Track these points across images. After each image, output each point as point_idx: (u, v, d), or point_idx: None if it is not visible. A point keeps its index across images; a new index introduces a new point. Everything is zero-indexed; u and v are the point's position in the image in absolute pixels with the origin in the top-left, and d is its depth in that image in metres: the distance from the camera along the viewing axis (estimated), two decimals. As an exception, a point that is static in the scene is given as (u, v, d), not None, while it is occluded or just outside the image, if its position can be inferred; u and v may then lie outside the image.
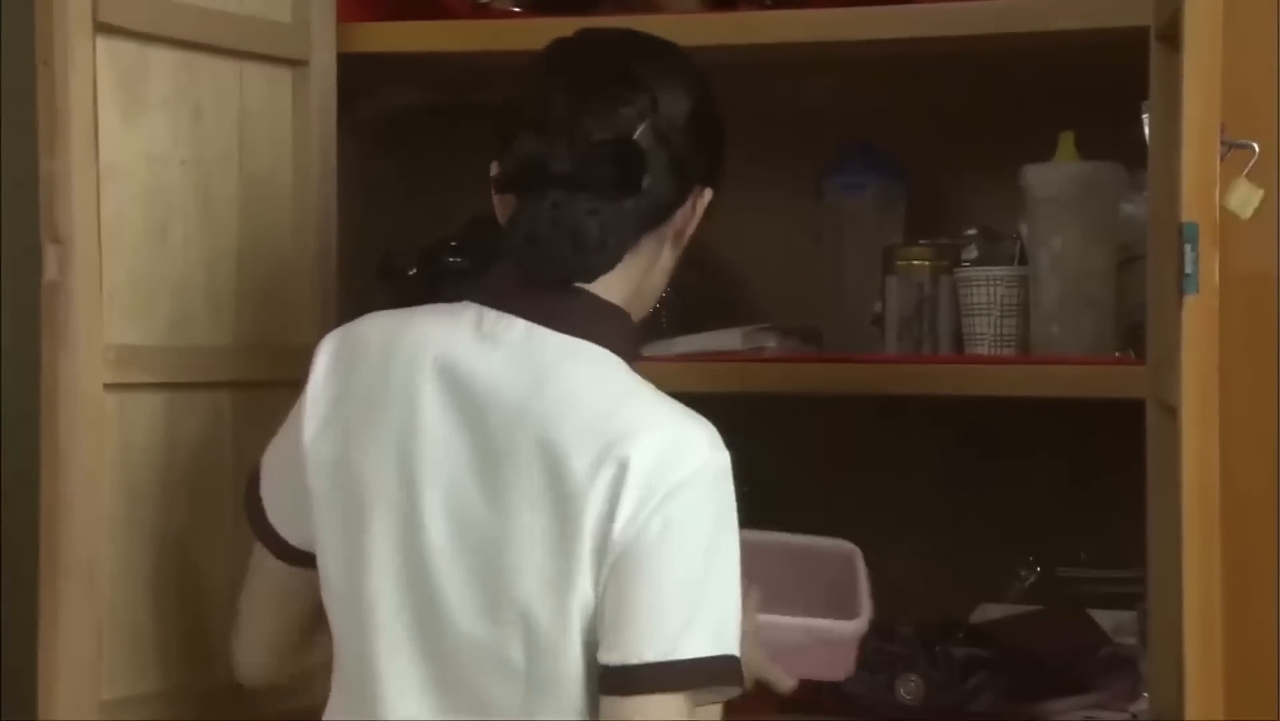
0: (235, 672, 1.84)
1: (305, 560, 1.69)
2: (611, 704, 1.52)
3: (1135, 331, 2.06)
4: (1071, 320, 2.12)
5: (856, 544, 2.00)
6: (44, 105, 1.83)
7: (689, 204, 1.68)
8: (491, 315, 1.62)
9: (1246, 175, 1.57)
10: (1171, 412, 1.56)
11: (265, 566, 1.77)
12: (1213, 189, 1.50)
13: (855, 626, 1.85)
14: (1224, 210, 1.53)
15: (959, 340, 2.23)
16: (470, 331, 1.61)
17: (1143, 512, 1.84)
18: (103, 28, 1.86)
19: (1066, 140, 2.15)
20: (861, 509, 2.46)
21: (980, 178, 2.41)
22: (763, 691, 1.80)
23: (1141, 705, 2.08)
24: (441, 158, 2.51)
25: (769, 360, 2.20)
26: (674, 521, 1.52)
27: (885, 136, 2.41)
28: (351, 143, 2.21)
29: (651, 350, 2.16)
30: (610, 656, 1.52)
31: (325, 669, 1.70)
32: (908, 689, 2.14)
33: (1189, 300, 1.48)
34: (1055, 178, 2.15)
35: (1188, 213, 1.49)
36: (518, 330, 1.60)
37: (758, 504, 2.39)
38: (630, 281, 1.66)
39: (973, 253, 2.24)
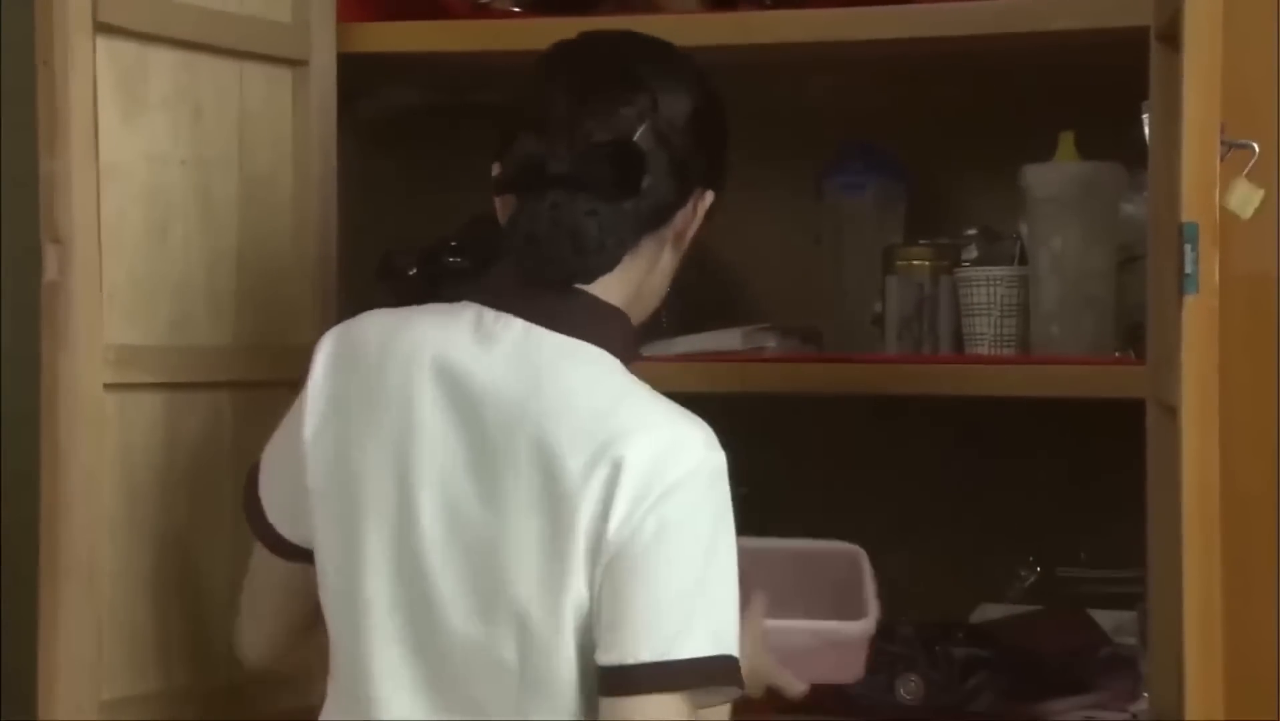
0: (237, 654, 1.84)
1: (304, 556, 1.70)
2: (609, 705, 1.52)
3: (1135, 331, 2.06)
4: (1071, 320, 2.12)
5: (857, 544, 2.00)
6: (44, 105, 1.83)
7: (690, 206, 1.68)
8: (490, 315, 1.62)
9: (1246, 175, 1.57)
10: (1171, 412, 1.56)
11: (265, 563, 1.77)
12: (1213, 189, 1.50)
13: (863, 626, 1.85)
14: (1224, 210, 1.53)
15: (959, 340, 2.23)
16: (469, 331, 1.62)
17: (1143, 512, 1.84)
18: (103, 28, 1.86)
19: (1066, 140, 2.15)
20: (861, 509, 2.46)
21: (980, 178, 2.41)
22: (774, 697, 1.79)
23: (1141, 705, 2.08)
24: (441, 158, 2.51)
25: (769, 360, 2.20)
26: (669, 521, 1.52)
27: (885, 136, 2.41)
28: (351, 143, 2.21)
29: (651, 350, 2.16)
30: (607, 657, 1.52)
31: (323, 668, 1.70)
32: (908, 689, 2.14)
33: (1189, 300, 1.48)
34: (1055, 178, 2.15)
35: (1188, 213, 1.49)
36: (516, 330, 1.60)
37: (758, 504, 2.39)
38: (630, 283, 1.66)
39: (973, 253, 2.24)
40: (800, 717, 2.03)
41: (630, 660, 1.51)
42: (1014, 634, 2.23)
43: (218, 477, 1.99)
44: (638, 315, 1.71)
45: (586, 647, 1.55)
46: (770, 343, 2.23)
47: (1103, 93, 2.04)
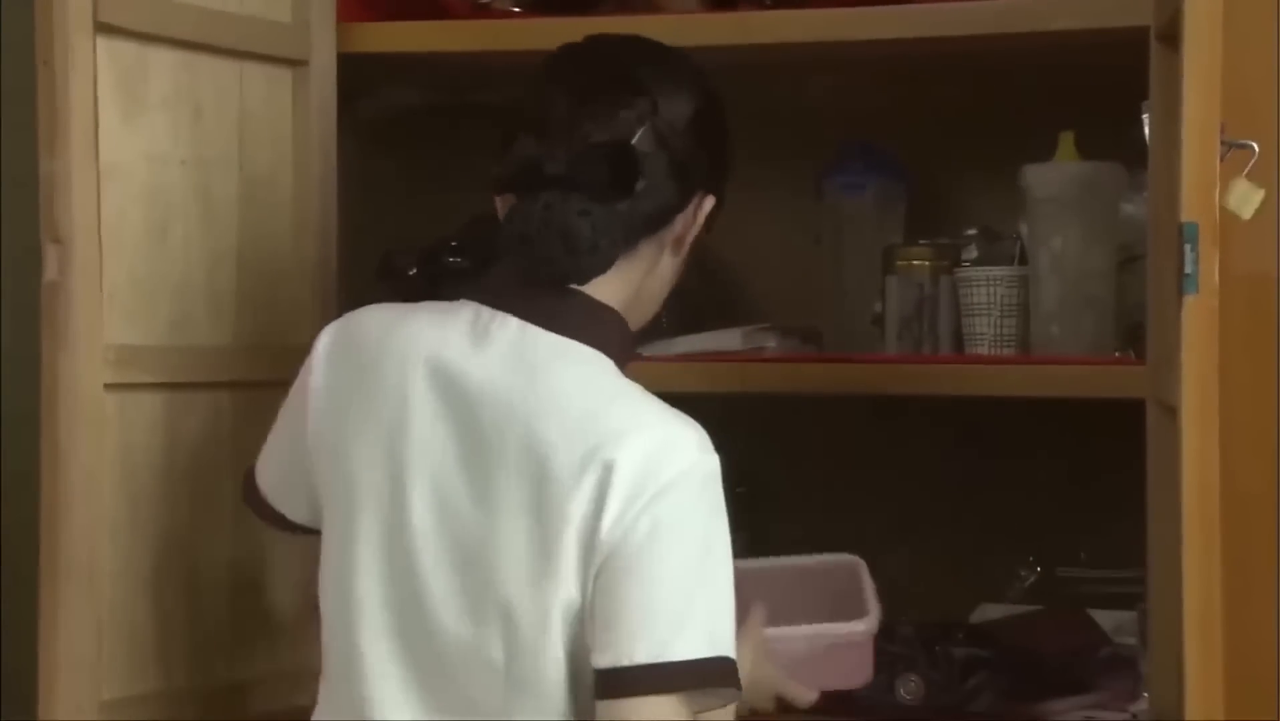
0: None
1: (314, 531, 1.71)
2: (605, 707, 1.52)
3: (1135, 331, 2.06)
4: (1071, 320, 2.12)
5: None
6: (44, 105, 1.83)
7: (689, 209, 1.68)
8: (487, 314, 1.62)
9: (1246, 175, 1.57)
10: (1171, 412, 1.56)
11: (283, 537, 1.80)
12: (1213, 189, 1.50)
13: (864, 626, 1.85)
14: (1224, 210, 1.53)
15: (959, 340, 2.22)
16: (465, 330, 1.62)
17: (1143, 512, 1.84)
18: (103, 28, 1.86)
19: (1066, 140, 2.15)
20: (861, 509, 2.46)
21: (980, 178, 2.41)
22: (785, 708, 1.79)
23: (1141, 705, 2.08)
24: (441, 158, 2.51)
25: (769, 360, 2.20)
26: (662, 522, 1.51)
27: (885, 136, 2.41)
28: (351, 143, 2.21)
29: (651, 350, 2.16)
30: (603, 659, 1.52)
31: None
32: (908, 689, 2.14)
33: (1189, 300, 1.48)
34: (1055, 178, 2.15)
35: (1187, 213, 1.49)
36: (511, 329, 1.61)
37: (758, 504, 2.40)
38: (628, 285, 1.66)
39: (973, 253, 2.24)
40: (800, 717, 2.03)
41: (625, 661, 1.51)
42: (1014, 634, 2.23)
43: (218, 477, 1.99)
44: (638, 318, 1.71)
45: (576, 649, 1.54)
46: (770, 343, 2.23)
47: (1103, 93, 2.04)
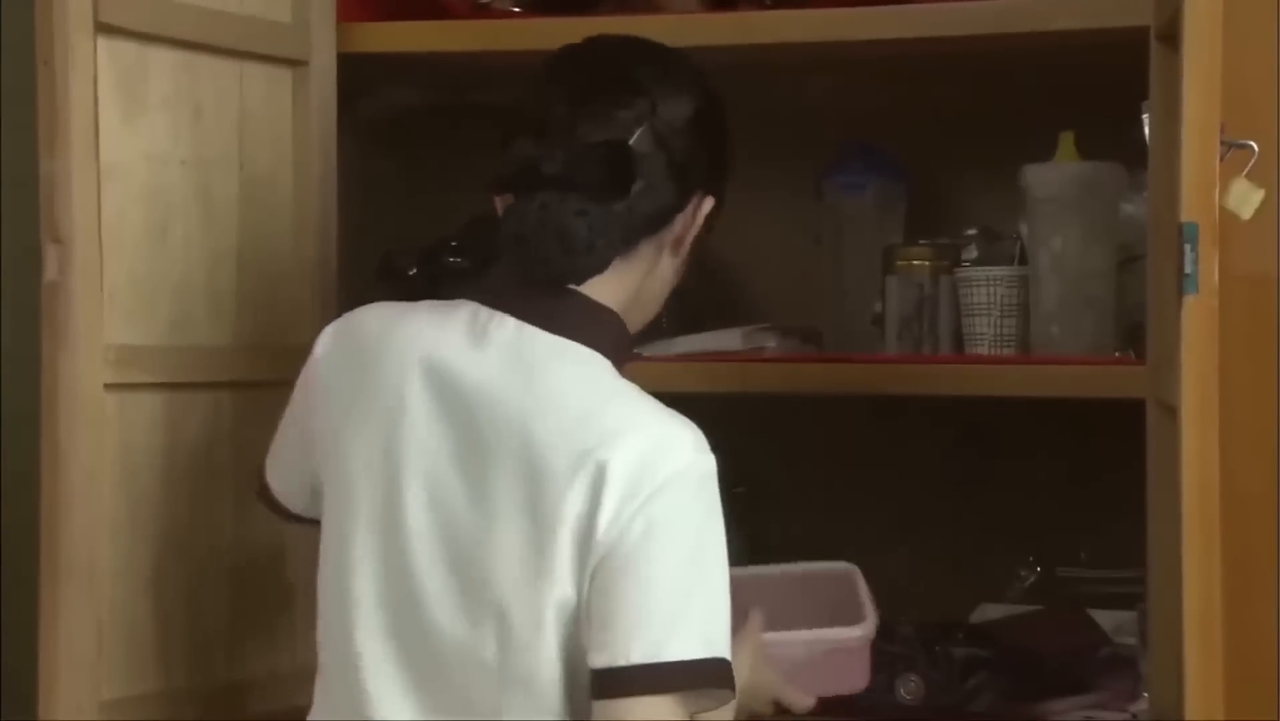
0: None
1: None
2: (601, 707, 1.52)
3: (1135, 331, 2.06)
4: (1071, 320, 2.12)
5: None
6: (44, 105, 1.83)
7: (689, 210, 1.68)
8: (485, 313, 1.62)
9: (1246, 175, 1.57)
10: (1171, 412, 1.56)
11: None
12: (1212, 189, 1.50)
13: (862, 631, 1.85)
14: (1224, 210, 1.53)
15: (959, 340, 2.22)
16: (462, 329, 1.62)
17: (1143, 512, 1.84)
18: (103, 28, 1.86)
19: (1066, 140, 2.15)
20: (861, 509, 2.46)
21: (980, 178, 2.41)
22: (782, 712, 1.79)
23: (1141, 705, 2.08)
24: (441, 158, 2.51)
25: (769, 360, 2.20)
26: (658, 521, 1.51)
27: (885, 136, 2.41)
28: (351, 143, 2.21)
29: (651, 350, 2.16)
30: (598, 659, 1.52)
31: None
32: (908, 689, 2.14)
33: (1189, 300, 1.48)
34: (1055, 178, 2.15)
35: (1187, 213, 1.49)
36: (509, 329, 1.61)
37: (758, 504, 2.41)
38: (627, 286, 1.66)
39: (973, 253, 2.24)
40: (800, 718, 2.03)
41: (621, 661, 1.50)
42: (1014, 634, 2.23)
43: (218, 477, 1.99)
44: (638, 319, 1.71)
45: (572, 649, 1.54)
46: (770, 343, 2.23)
47: (1103, 93, 2.04)
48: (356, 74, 2.19)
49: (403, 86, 2.47)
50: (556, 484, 1.53)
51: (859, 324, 2.33)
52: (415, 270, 2.14)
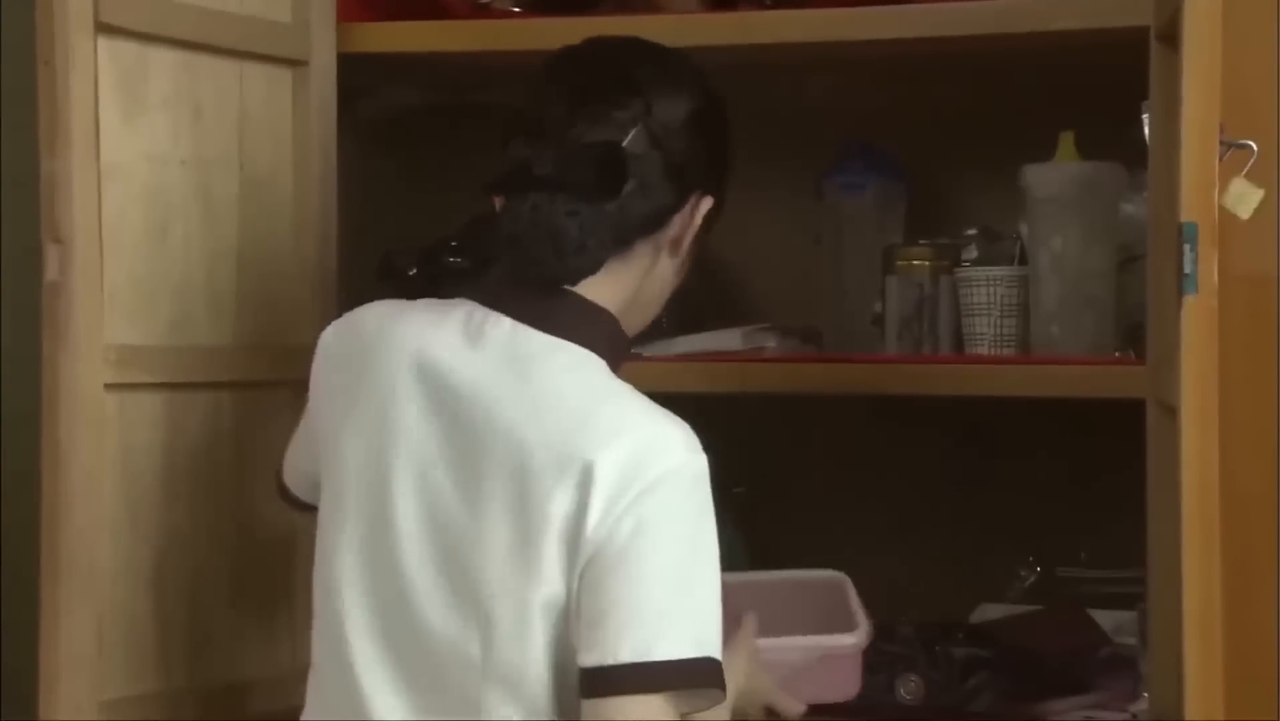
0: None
1: None
2: (591, 706, 1.51)
3: (1135, 331, 2.06)
4: (1071, 320, 2.12)
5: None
6: (45, 105, 1.83)
7: (686, 210, 1.68)
8: (481, 313, 1.63)
9: (1245, 175, 1.57)
10: (1171, 412, 1.56)
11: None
12: (1212, 189, 1.50)
13: (855, 639, 1.85)
14: (1224, 210, 1.53)
15: (959, 340, 2.22)
16: (457, 328, 1.62)
17: (1143, 512, 1.84)
18: (103, 28, 1.86)
19: (1066, 140, 2.15)
20: (861, 509, 2.46)
21: (980, 178, 2.41)
22: (774, 718, 1.79)
23: (1141, 705, 2.08)
24: (441, 158, 2.51)
25: (769, 360, 2.20)
26: (648, 520, 1.51)
27: (885, 136, 2.41)
28: (351, 143, 2.21)
29: (651, 350, 2.16)
30: (588, 658, 1.51)
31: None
32: (908, 689, 2.14)
33: (1189, 300, 1.48)
34: (1055, 178, 2.15)
35: (1187, 213, 1.49)
36: (504, 329, 1.61)
37: (758, 504, 2.41)
38: (623, 287, 1.66)
39: (973, 253, 2.24)
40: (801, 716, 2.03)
41: (610, 660, 1.50)
42: (1014, 634, 2.23)
43: (218, 477, 1.99)
44: (638, 320, 1.71)
45: (560, 649, 1.54)
46: (770, 343, 2.23)
47: (1103, 93, 2.04)
48: (356, 74, 2.19)
49: (403, 86, 2.47)
50: (544, 483, 1.52)
51: (859, 324, 2.33)
52: (415, 270, 2.14)
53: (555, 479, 1.52)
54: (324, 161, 2.12)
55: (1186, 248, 1.48)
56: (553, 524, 1.52)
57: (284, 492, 1.85)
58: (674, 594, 1.52)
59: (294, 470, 1.82)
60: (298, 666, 1.80)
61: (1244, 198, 1.56)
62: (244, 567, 2.03)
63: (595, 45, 1.73)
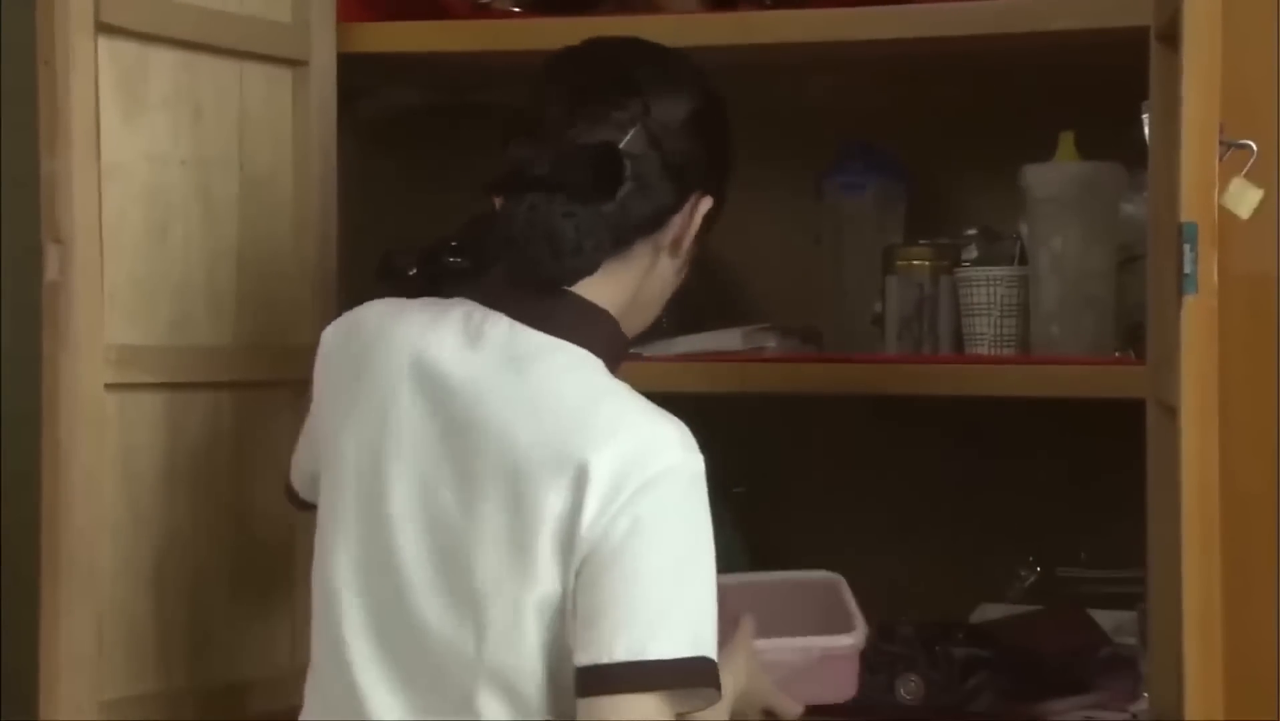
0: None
1: None
2: (586, 705, 1.51)
3: (1135, 331, 2.06)
4: (1071, 320, 2.12)
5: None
6: (45, 105, 1.83)
7: (686, 210, 1.67)
8: (480, 312, 1.63)
9: (1245, 175, 1.57)
10: (1171, 412, 1.56)
11: None
12: (1212, 189, 1.50)
13: (853, 639, 1.85)
14: (1223, 210, 1.53)
15: (959, 340, 2.22)
16: (457, 327, 1.62)
17: (1143, 512, 1.84)
18: (104, 28, 1.86)
19: (1066, 140, 2.15)
20: (862, 508, 2.46)
21: (980, 178, 2.41)
22: (771, 718, 1.79)
23: (1141, 705, 2.08)
24: (441, 158, 2.51)
25: (769, 360, 2.20)
26: (644, 519, 1.51)
27: (885, 136, 2.41)
28: (351, 143, 2.21)
29: (651, 350, 2.16)
30: (583, 656, 1.51)
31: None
32: (908, 689, 2.14)
33: (1188, 300, 1.48)
34: (1055, 178, 2.15)
35: (1187, 213, 1.49)
36: (502, 328, 1.61)
37: (758, 504, 2.41)
38: (623, 287, 1.66)
39: (973, 253, 2.24)
40: (798, 718, 2.03)
41: (605, 659, 1.50)
42: (1014, 634, 2.23)
43: (218, 477, 1.99)
44: (639, 321, 1.71)
45: (556, 649, 1.54)
46: (770, 343, 2.23)
47: (1103, 93, 2.05)
48: (356, 74, 2.19)
49: (403, 86, 2.47)
50: (538, 482, 1.52)
51: (859, 324, 2.33)
52: (415, 270, 2.14)
53: (550, 478, 1.52)
54: (324, 161, 2.12)
55: (1186, 248, 1.48)
56: (547, 523, 1.52)
57: (291, 495, 1.85)
58: (669, 593, 1.52)
59: (299, 471, 1.82)
60: (297, 666, 1.80)
61: (1244, 197, 1.56)
62: (244, 567, 2.03)
63: (595, 45, 1.73)
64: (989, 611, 2.35)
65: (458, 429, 1.58)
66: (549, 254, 1.58)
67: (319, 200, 2.12)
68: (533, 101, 1.67)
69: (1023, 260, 2.17)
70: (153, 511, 1.93)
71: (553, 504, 1.52)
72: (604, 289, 1.64)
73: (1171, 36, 1.62)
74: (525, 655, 1.54)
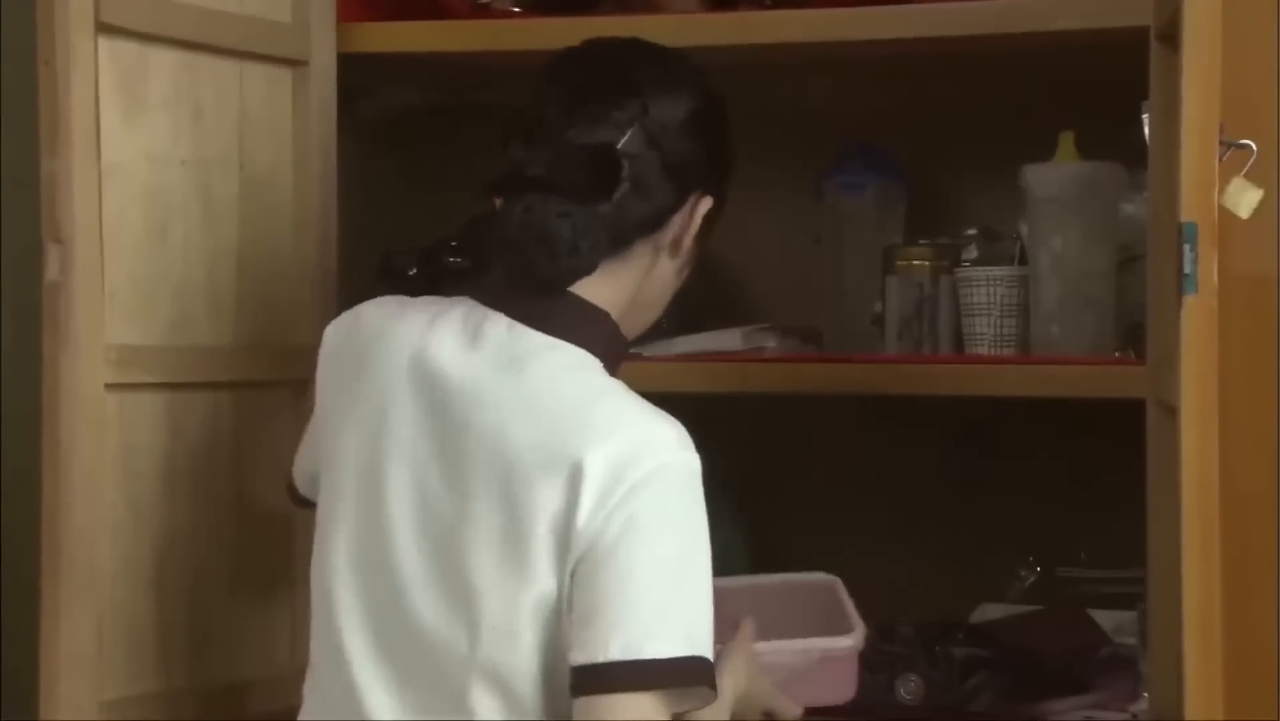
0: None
1: None
2: (582, 705, 1.51)
3: (1135, 331, 2.06)
4: (1071, 320, 2.12)
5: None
6: (45, 105, 1.83)
7: (685, 210, 1.67)
8: (480, 312, 1.63)
9: (1245, 175, 1.57)
10: (1171, 412, 1.56)
11: None
12: (1212, 189, 1.50)
13: (852, 641, 1.85)
14: (1223, 210, 1.53)
15: (959, 340, 2.22)
16: (457, 326, 1.62)
17: (1143, 512, 1.84)
18: (104, 28, 1.86)
19: (1066, 140, 2.15)
20: (862, 508, 2.46)
21: (980, 178, 2.41)
22: (771, 720, 1.79)
23: (1141, 705, 2.08)
24: (441, 158, 2.51)
25: (769, 360, 2.20)
26: (639, 516, 1.51)
27: (885, 136, 2.41)
28: (351, 143, 2.21)
29: (651, 350, 2.16)
30: (579, 656, 1.51)
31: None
32: (908, 689, 2.14)
33: (1188, 300, 1.48)
34: (1055, 178, 2.15)
35: (1186, 213, 1.49)
36: (501, 328, 1.61)
37: (757, 504, 2.41)
38: (622, 288, 1.66)
39: (973, 253, 2.24)
40: (799, 719, 2.03)
41: (600, 657, 1.49)
42: (1014, 634, 2.23)
43: (218, 478, 1.99)
44: (639, 321, 1.71)
45: (552, 649, 1.54)
46: (770, 343, 2.23)
47: (1103, 93, 2.05)
48: (356, 74, 2.19)
49: (403, 86, 2.47)
50: (534, 481, 1.53)
51: (859, 324, 2.33)
52: (415, 270, 2.14)
53: (546, 476, 1.52)
54: (324, 161, 2.12)
55: (1186, 248, 1.48)
56: (542, 521, 1.52)
57: (292, 492, 1.85)
58: (666, 591, 1.52)
59: (301, 471, 1.82)
60: (297, 666, 1.80)
61: (1243, 197, 1.56)
62: (244, 567, 2.03)
63: (594, 46, 1.73)
64: (989, 611, 2.35)
65: (455, 429, 1.58)
66: (545, 255, 1.58)
67: (319, 200, 2.12)
68: (532, 102, 1.67)
69: (1023, 260, 2.17)
70: (153, 511, 1.93)
71: (548, 501, 1.52)
72: (603, 289, 1.64)
73: (1171, 36, 1.62)
74: (519, 653, 1.54)
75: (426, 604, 1.57)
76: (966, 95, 2.37)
